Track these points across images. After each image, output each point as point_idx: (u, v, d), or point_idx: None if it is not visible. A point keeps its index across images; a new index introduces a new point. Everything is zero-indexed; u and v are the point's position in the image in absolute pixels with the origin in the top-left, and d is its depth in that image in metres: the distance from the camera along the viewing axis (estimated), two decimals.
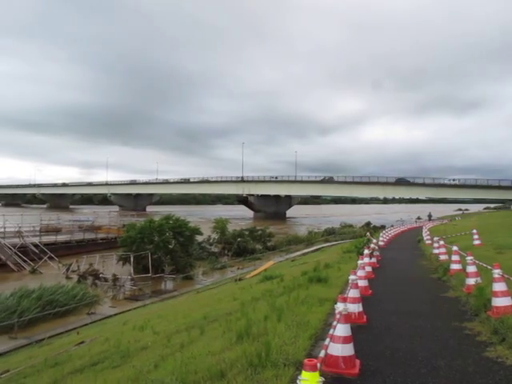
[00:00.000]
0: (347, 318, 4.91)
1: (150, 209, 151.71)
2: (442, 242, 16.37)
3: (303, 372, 3.09)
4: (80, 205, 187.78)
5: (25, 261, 32.59)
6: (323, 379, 3.13)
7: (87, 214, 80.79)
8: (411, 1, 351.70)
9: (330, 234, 59.00)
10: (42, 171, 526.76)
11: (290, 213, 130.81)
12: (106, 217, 65.16)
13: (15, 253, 33.06)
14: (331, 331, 4.61)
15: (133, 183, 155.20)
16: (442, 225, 46.83)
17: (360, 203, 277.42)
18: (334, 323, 4.77)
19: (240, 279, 22.51)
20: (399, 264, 16.61)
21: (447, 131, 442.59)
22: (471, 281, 9.12)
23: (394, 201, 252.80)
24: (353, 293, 7.00)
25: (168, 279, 28.56)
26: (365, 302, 7.62)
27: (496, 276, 7.08)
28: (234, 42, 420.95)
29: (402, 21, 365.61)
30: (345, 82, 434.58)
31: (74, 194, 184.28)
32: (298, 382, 3.11)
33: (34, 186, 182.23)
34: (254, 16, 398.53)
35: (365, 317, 7.11)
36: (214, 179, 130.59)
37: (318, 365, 3.16)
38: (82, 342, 11.30)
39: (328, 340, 4.32)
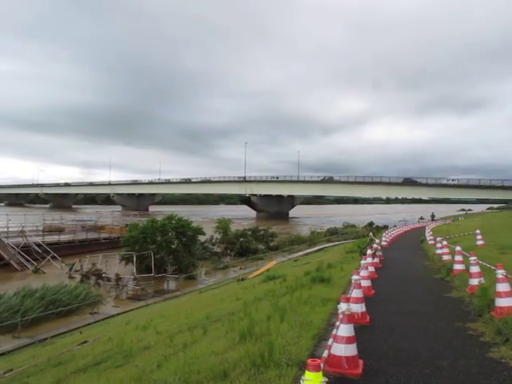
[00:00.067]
0: (350, 318, 4.90)
1: (152, 209, 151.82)
2: (445, 243, 16.33)
3: (307, 372, 3.09)
4: (83, 204, 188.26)
5: (28, 260, 32.67)
6: (326, 379, 3.12)
7: (90, 213, 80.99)
8: (413, 1, 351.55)
9: (332, 234, 58.95)
10: (44, 171, 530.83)
11: (292, 213, 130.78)
12: (109, 217, 65.34)
13: (18, 252, 33.15)
14: (334, 331, 4.61)
15: (135, 183, 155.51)
16: (445, 225, 46.76)
17: (363, 203, 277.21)
18: (337, 323, 4.76)
19: (243, 279, 22.51)
20: (402, 264, 16.57)
21: (449, 131, 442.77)
22: (474, 281, 9.09)
23: (396, 201, 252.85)
24: (356, 293, 6.99)
25: (171, 279, 28.58)
26: (368, 302, 7.61)
27: (499, 276, 7.06)
28: (236, 41, 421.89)
29: (404, 21, 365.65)
30: (347, 81, 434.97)
31: (76, 194, 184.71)
32: (301, 382, 3.10)
33: (37, 185, 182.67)
34: (256, 16, 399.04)
35: (368, 317, 7.10)
36: (215, 179, 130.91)
37: (322, 365, 3.15)
38: (85, 342, 11.32)
39: (331, 340, 4.32)
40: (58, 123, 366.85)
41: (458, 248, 12.39)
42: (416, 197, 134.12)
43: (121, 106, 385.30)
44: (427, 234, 28.19)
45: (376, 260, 15.07)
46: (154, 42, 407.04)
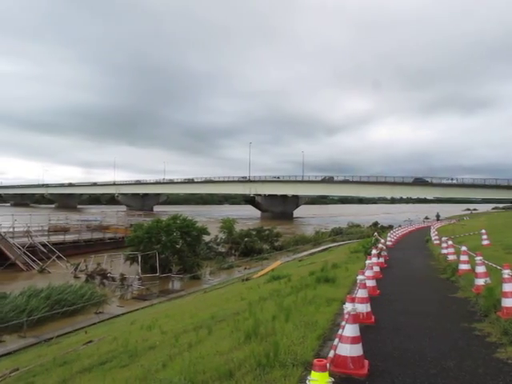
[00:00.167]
0: (355, 318, 4.89)
1: (157, 209, 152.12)
2: (450, 242, 16.26)
3: (313, 372, 3.08)
4: (88, 204, 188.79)
5: (33, 260, 32.82)
6: (332, 379, 3.11)
7: (95, 213, 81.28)
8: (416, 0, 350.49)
9: (337, 233, 58.87)
10: (49, 171, 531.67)
11: (297, 213, 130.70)
12: (114, 217, 65.55)
13: (24, 252, 33.31)
14: (340, 331, 4.60)
15: (138, 183, 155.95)
16: (450, 225, 46.56)
17: (367, 203, 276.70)
18: (343, 323, 4.75)
19: (247, 279, 22.50)
20: (407, 264, 16.52)
21: (454, 131, 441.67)
22: (480, 281, 9.04)
23: (401, 201, 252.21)
24: (361, 293, 6.96)
25: (175, 279, 28.63)
26: (373, 302, 7.59)
27: (506, 276, 7.02)
28: (240, 42, 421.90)
29: (407, 20, 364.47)
30: (351, 81, 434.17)
31: (81, 194, 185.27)
32: (307, 382, 3.09)
33: (42, 186, 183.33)
34: (260, 16, 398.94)
35: (373, 317, 7.08)
36: (217, 179, 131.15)
37: (328, 365, 3.15)
38: (90, 341, 11.35)
39: (337, 340, 4.31)
40: (62, 123, 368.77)
41: (464, 248, 12.33)
42: (421, 196, 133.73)
43: (125, 106, 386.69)
44: (432, 234, 28.08)
45: (381, 260, 15.03)
46: (158, 42, 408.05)
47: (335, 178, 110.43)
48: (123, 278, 26.52)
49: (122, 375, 6.18)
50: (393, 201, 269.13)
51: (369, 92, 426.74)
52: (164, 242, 31.61)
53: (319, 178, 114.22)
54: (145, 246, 31.23)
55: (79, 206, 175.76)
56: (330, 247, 41.99)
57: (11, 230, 37.47)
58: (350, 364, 4.62)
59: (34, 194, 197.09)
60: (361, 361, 4.71)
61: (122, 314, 19.47)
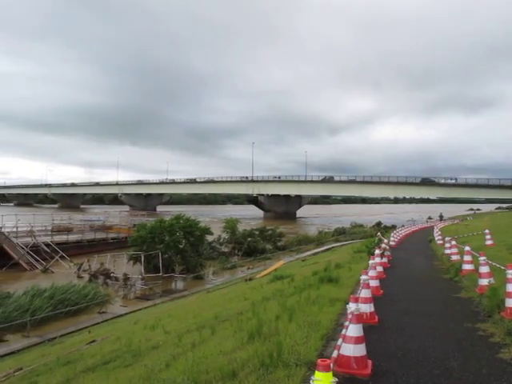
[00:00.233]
0: (359, 318, 4.89)
1: (160, 209, 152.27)
2: (453, 242, 16.22)
3: (316, 372, 3.08)
4: (91, 204, 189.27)
5: (37, 260, 32.91)
6: (336, 379, 3.11)
7: (98, 213, 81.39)
8: None
9: (340, 233, 58.85)
10: (53, 171, 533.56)
11: (300, 212, 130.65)
12: (117, 216, 65.68)
13: (27, 252, 33.40)
14: (343, 331, 4.59)
15: (140, 183, 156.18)
16: (454, 225, 46.45)
17: (370, 203, 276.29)
18: (346, 323, 4.75)
19: (250, 279, 22.50)
20: (410, 264, 16.49)
21: (458, 130, 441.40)
22: (484, 281, 9.03)
23: (404, 201, 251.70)
24: (364, 293, 6.95)
25: (178, 279, 28.65)
26: (376, 302, 7.57)
27: (510, 277, 7.00)
28: (244, 42, 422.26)
29: (411, 19, 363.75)
30: (355, 81, 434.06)
31: (84, 194, 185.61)
32: (311, 382, 3.09)
33: (46, 186, 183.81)
34: (264, 16, 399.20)
35: (376, 317, 7.07)
36: (218, 179, 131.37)
37: (331, 365, 3.14)
38: (94, 341, 11.37)
39: (340, 340, 4.30)
40: (66, 123, 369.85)
41: (467, 248, 12.29)
42: (424, 196, 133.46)
43: (128, 106, 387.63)
44: (435, 234, 28.03)
45: (384, 260, 14.99)
46: (161, 42, 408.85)
47: (338, 178, 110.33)
48: (126, 278, 26.56)
49: (126, 375, 6.19)
50: (396, 201, 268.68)
51: (372, 92, 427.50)
52: (167, 241, 31.64)
53: (321, 178, 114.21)
54: (148, 246, 31.29)
55: (82, 206, 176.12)
56: (333, 247, 41.97)
57: (15, 229, 37.56)
58: (354, 364, 4.61)
59: (37, 194, 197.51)
60: (364, 361, 4.71)
61: (125, 314, 19.50)
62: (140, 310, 20.28)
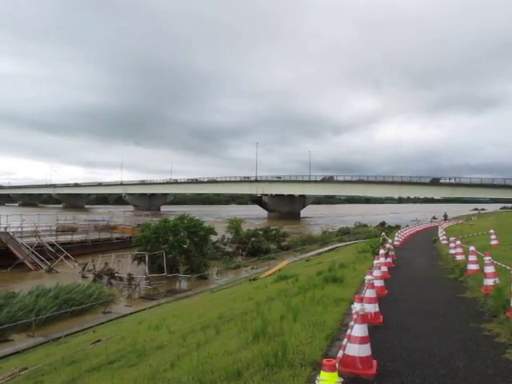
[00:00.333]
0: (364, 318, 4.88)
1: (164, 208, 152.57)
2: (458, 242, 16.16)
3: (322, 372, 3.08)
4: (95, 204, 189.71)
5: (41, 260, 33.02)
6: (342, 379, 3.11)
7: (102, 213, 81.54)
8: None
9: (344, 233, 58.76)
10: (57, 171, 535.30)
11: (304, 212, 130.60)
12: (121, 217, 65.83)
13: (32, 252, 33.52)
14: (348, 331, 4.58)
15: (142, 183, 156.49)
16: (458, 225, 46.33)
17: (374, 203, 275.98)
18: (351, 323, 4.74)
19: (254, 279, 22.50)
20: (415, 264, 16.44)
21: (462, 130, 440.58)
22: (489, 281, 8.99)
23: (408, 200, 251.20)
24: (369, 293, 6.93)
25: (183, 279, 28.67)
26: (381, 302, 7.55)
27: None
28: (247, 42, 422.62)
29: (414, 18, 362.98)
30: (358, 81, 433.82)
31: (89, 194, 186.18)
32: (316, 382, 3.09)
33: (50, 186, 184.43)
34: (267, 16, 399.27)
35: (381, 317, 7.05)
36: (221, 179, 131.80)
37: (337, 365, 3.14)
38: (99, 341, 11.39)
39: (346, 340, 4.30)
40: (70, 124, 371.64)
41: (472, 248, 12.25)
42: (428, 196, 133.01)
43: (132, 106, 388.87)
44: (440, 234, 27.95)
45: (389, 260, 14.96)
46: (164, 42, 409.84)
47: (342, 178, 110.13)
48: (131, 278, 26.60)
49: (131, 374, 6.20)
50: (400, 201, 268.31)
51: (376, 91, 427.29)
52: (171, 241, 31.67)
53: (321, 178, 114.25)
54: (152, 246, 31.33)
55: (86, 206, 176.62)
56: (337, 247, 41.93)
57: (20, 229, 37.69)
58: (359, 364, 4.60)
59: (41, 194, 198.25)
60: (369, 361, 4.70)
61: (130, 314, 19.53)
62: (144, 309, 20.31)
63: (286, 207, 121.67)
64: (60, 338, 15.41)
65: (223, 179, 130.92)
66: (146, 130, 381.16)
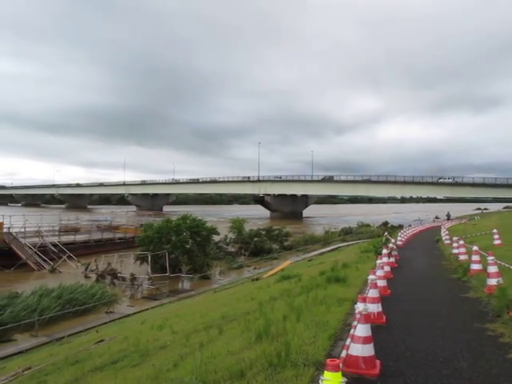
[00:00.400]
0: (367, 318, 4.87)
1: (166, 209, 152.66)
2: (461, 242, 16.13)
3: (325, 372, 3.07)
4: (98, 205, 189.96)
5: (44, 260, 33.06)
6: (345, 379, 3.10)
7: (105, 213, 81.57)
8: None
9: (347, 233, 58.66)
10: (60, 172, 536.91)
11: (306, 212, 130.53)
12: (124, 217, 65.87)
13: (35, 252, 33.57)
14: (352, 331, 4.58)
15: (143, 183, 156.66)
16: (461, 224, 46.25)
17: (377, 203, 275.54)
18: (354, 323, 4.73)
19: (257, 279, 22.49)
20: (418, 264, 16.41)
21: (465, 129, 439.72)
22: (493, 281, 8.97)
23: (411, 200, 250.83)
24: (372, 293, 6.92)
25: (185, 279, 28.68)
26: (384, 302, 7.53)
27: None
28: (249, 41, 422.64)
29: (417, 17, 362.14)
30: (361, 80, 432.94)
31: (91, 195, 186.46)
32: (320, 382, 3.08)
33: (53, 186, 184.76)
34: (269, 16, 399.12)
35: (384, 317, 7.04)
36: (221, 179, 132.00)
37: (341, 365, 3.14)
38: (102, 341, 11.40)
39: (349, 340, 4.29)
40: (73, 124, 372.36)
41: (475, 247, 12.22)
42: (431, 196, 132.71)
43: (134, 106, 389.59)
44: (443, 234, 27.89)
45: (392, 260, 14.94)
46: (167, 42, 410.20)
47: (342, 178, 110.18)
48: (133, 278, 26.62)
49: (134, 374, 6.21)
50: (403, 200, 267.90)
51: (378, 91, 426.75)
52: (174, 241, 31.68)
53: (321, 178, 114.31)
54: (155, 246, 31.36)
55: (89, 206, 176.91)
56: (339, 247, 41.85)
57: (23, 230, 37.76)
58: (362, 364, 4.60)
59: (44, 195, 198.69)
60: (372, 361, 4.69)
61: (133, 314, 19.54)
62: (147, 309, 20.32)
63: (289, 207, 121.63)
64: (63, 337, 15.44)
65: (224, 179, 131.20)
66: (149, 130, 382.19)
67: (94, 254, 36.18)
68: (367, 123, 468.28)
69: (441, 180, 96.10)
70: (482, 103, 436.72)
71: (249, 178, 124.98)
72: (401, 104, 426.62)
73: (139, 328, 12.40)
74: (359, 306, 4.86)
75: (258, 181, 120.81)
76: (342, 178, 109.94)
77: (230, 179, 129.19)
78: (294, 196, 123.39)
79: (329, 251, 37.42)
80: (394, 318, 7.17)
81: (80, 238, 42.03)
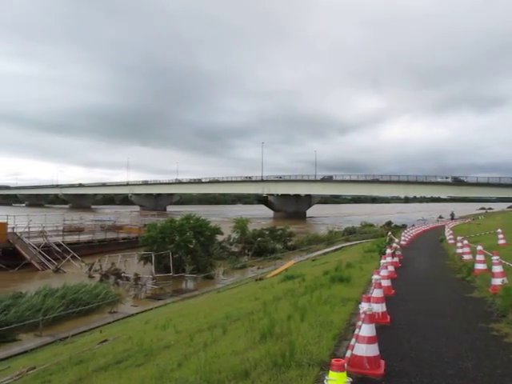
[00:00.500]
0: (371, 317, 4.86)
1: (170, 209, 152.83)
2: (465, 242, 16.08)
3: (330, 372, 3.07)
4: (101, 205, 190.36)
5: (48, 260, 33.13)
6: (350, 379, 3.10)
7: (109, 213, 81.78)
8: None
9: (350, 233, 58.56)
10: (64, 172, 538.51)
11: (310, 212, 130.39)
12: (127, 217, 66.00)
13: (39, 252, 33.65)
14: (356, 331, 4.57)
15: (145, 183, 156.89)
16: (465, 224, 46.12)
17: (380, 202, 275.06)
18: (359, 323, 4.72)
19: (261, 279, 22.47)
20: (422, 264, 16.39)
21: (469, 129, 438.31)
22: (497, 281, 8.94)
23: (415, 200, 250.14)
24: (376, 292, 6.91)
25: (189, 278, 28.68)
26: (388, 301, 7.52)
27: None
28: (253, 41, 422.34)
29: (420, 16, 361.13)
30: (364, 80, 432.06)
31: (95, 195, 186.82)
32: (325, 382, 3.08)
33: (56, 186, 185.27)
34: (272, 16, 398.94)
35: (388, 317, 7.03)
36: (223, 179, 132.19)
37: (345, 365, 3.13)
38: (105, 341, 11.41)
39: (354, 340, 4.29)
40: (77, 125, 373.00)
41: (480, 247, 12.19)
42: (435, 196, 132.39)
43: (138, 106, 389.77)
44: (447, 233, 27.83)
45: (395, 259, 14.91)
46: (170, 42, 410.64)
47: (342, 178, 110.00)
48: (137, 278, 26.64)
49: (138, 374, 6.21)
50: (406, 200, 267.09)
51: (381, 90, 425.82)
52: (177, 241, 31.70)
53: (320, 178, 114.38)
54: (158, 246, 31.38)
55: (93, 206, 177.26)
56: (343, 247, 41.78)
57: (27, 230, 37.86)
58: (366, 364, 4.59)
59: (48, 195, 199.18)
60: (377, 361, 4.68)
61: (136, 314, 19.56)
62: (151, 309, 20.34)
63: (292, 207, 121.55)
64: (67, 337, 15.46)
65: (225, 179, 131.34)
66: (153, 131, 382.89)
67: (97, 253, 36.22)
68: (371, 123, 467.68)
69: (439, 179, 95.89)
70: (485, 103, 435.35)
71: (250, 177, 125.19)
72: (404, 104, 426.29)
73: (143, 328, 12.42)
74: (364, 306, 4.85)
75: (262, 181, 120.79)
76: (345, 178, 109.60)
77: (234, 179, 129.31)
78: (297, 196, 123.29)
79: (332, 251, 37.35)
80: (399, 318, 7.16)
81: (84, 237, 42.09)
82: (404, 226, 55.56)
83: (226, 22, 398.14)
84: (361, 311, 4.86)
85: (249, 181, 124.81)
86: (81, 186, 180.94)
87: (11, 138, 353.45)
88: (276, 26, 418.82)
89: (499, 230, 20.55)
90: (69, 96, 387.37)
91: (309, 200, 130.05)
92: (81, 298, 20.54)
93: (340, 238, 52.14)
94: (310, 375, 4.30)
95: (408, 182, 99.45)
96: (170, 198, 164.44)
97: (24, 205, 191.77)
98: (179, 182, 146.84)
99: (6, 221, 35.18)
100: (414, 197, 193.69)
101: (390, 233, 27.91)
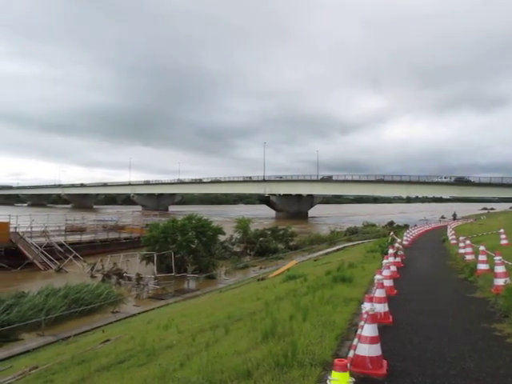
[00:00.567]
0: (374, 317, 4.86)
1: (172, 208, 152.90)
2: (468, 242, 16.05)
3: (333, 372, 3.07)
4: (104, 205, 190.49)
5: (51, 260, 33.17)
6: (353, 379, 3.10)
7: (111, 213, 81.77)
8: None
9: (352, 233, 58.51)
10: (66, 172, 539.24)
11: (312, 212, 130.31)
12: (130, 217, 66.03)
13: (42, 252, 33.70)
14: (359, 331, 4.57)
15: (147, 183, 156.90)
16: (468, 224, 46.04)
17: (382, 202, 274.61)
18: (361, 323, 4.72)
19: (263, 279, 22.47)
20: (424, 264, 16.37)
21: (470, 128, 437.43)
22: (500, 281, 8.92)
23: (417, 200, 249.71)
24: (379, 292, 6.91)
25: (191, 278, 28.68)
26: (390, 301, 7.51)
27: None
28: (255, 42, 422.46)
29: (422, 16, 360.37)
30: (366, 80, 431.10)
31: (97, 195, 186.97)
32: (327, 382, 3.08)
33: (58, 186, 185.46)
34: (274, 16, 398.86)
35: (391, 317, 7.02)
36: (224, 179, 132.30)
37: (348, 365, 3.13)
38: (108, 340, 11.43)
39: (356, 340, 4.28)
40: (79, 125, 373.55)
41: (482, 247, 12.17)
42: (437, 196, 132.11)
43: (140, 106, 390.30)
44: (449, 234, 27.79)
45: (398, 259, 14.90)
46: (172, 43, 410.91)
47: (342, 178, 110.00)
48: (139, 278, 26.66)
49: (140, 374, 6.22)
50: (408, 200, 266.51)
51: (383, 90, 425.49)
52: (179, 241, 31.70)
53: (320, 178, 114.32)
54: (160, 246, 31.40)
55: (95, 206, 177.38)
56: (345, 247, 41.74)
57: (29, 229, 37.91)
58: (369, 364, 4.59)
59: (50, 195, 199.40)
60: (379, 361, 4.68)
61: (139, 314, 19.58)
62: (153, 309, 20.35)
63: (294, 207, 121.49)
64: (69, 337, 15.49)
65: (227, 179, 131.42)
66: (155, 131, 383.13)
67: (99, 253, 36.24)
68: (372, 123, 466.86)
69: (439, 179, 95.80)
70: (486, 103, 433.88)
71: (252, 177, 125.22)
72: (405, 104, 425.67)
73: (145, 328, 12.43)
74: (366, 306, 4.85)
75: (264, 181, 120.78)
76: (346, 178, 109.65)
77: (235, 179, 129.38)
78: (299, 196, 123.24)
79: (334, 251, 37.32)
80: (401, 318, 7.15)
81: (86, 237, 42.13)
82: (406, 226, 55.44)
83: (227, 22, 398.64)
84: (363, 311, 4.85)
85: (250, 181, 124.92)
86: (83, 186, 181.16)
87: (13, 138, 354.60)
88: (278, 26, 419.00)
89: (501, 230, 20.52)
90: (70, 96, 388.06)
91: (311, 200, 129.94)
92: (83, 298, 20.57)
93: (342, 238, 52.10)
94: (313, 375, 4.30)
95: (410, 182, 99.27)
96: (172, 198, 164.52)
97: (26, 205, 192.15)
98: (181, 182, 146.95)
99: (8, 220, 35.24)
100: (416, 197, 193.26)
101: (392, 233, 27.85)
